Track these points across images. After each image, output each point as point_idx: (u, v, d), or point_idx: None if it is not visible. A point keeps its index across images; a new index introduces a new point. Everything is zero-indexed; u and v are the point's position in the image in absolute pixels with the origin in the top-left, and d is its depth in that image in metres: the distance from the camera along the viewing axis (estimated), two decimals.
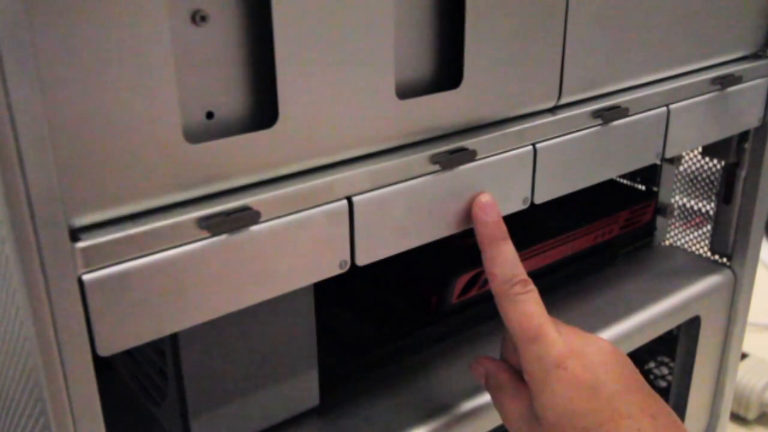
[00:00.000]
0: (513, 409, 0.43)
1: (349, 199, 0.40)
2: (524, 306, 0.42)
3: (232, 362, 0.46)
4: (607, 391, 0.40)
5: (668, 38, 0.55)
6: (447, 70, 0.44)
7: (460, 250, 0.59)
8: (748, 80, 0.61)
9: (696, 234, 0.77)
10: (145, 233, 0.33)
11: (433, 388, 0.54)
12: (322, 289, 0.46)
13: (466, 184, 0.45)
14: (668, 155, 0.58)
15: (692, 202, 0.77)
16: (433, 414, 0.51)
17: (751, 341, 0.91)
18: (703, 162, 0.75)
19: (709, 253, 0.75)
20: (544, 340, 0.41)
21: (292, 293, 0.39)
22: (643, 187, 0.76)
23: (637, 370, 0.43)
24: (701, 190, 0.76)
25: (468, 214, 0.45)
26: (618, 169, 0.54)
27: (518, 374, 0.44)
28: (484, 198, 0.43)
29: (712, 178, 0.74)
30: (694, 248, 0.77)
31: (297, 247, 0.38)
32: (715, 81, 0.59)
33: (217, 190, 0.36)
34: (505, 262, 0.43)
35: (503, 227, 0.44)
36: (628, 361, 0.43)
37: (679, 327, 0.70)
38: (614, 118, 0.52)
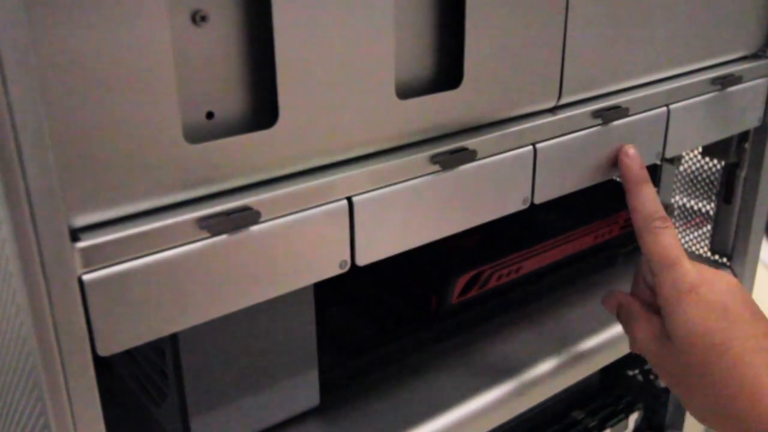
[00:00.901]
0: (645, 333, 0.49)
1: (349, 199, 0.40)
2: (664, 238, 0.48)
3: (232, 362, 0.46)
4: (734, 314, 0.46)
5: (668, 38, 0.55)
6: (447, 70, 0.44)
7: (460, 250, 0.59)
8: (748, 80, 0.61)
9: (696, 234, 0.77)
10: (145, 233, 0.33)
11: (432, 388, 0.54)
12: (322, 289, 0.46)
13: (466, 184, 0.45)
14: (668, 155, 0.58)
15: (692, 202, 0.77)
16: (433, 414, 0.51)
17: None
18: (703, 162, 0.75)
19: (709, 253, 0.75)
20: (680, 268, 0.47)
21: (292, 293, 0.39)
22: None
23: (758, 306, 0.48)
24: (701, 190, 0.76)
25: (469, 213, 0.45)
26: (618, 169, 0.54)
27: (648, 305, 0.51)
28: (631, 150, 0.51)
29: (712, 178, 0.74)
30: (694, 248, 0.77)
31: (297, 247, 0.38)
32: (715, 81, 0.59)
33: (217, 190, 0.36)
34: (647, 200, 0.49)
35: (646, 172, 0.51)
36: (751, 296, 0.48)
37: None
38: (614, 118, 0.52)
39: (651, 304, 0.50)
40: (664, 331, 0.48)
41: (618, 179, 0.52)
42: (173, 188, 0.34)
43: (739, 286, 0.48)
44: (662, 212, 0.49)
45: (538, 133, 0.48)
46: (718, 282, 0.47)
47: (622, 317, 0.52)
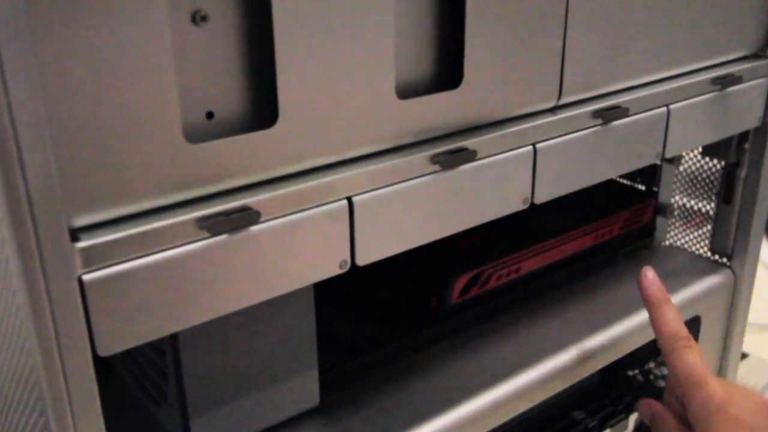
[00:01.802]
0: None
1: (349, 199, 0.40)
2: (689, 358, 0.50)
3: (232, 362, 0.46)
4: None
5: (668, 38, 0.55)
6: (447, 70, 0.44)
7: (460, 250, 0.59)
8: (748, 80, 0.61)
9: (696, 234, 0.77)
10: (145, 233, 0.33)
11: (433, 388, 0.54)
12: (322, 289, 0.46)
13: (465, 184, 0.45)
14: (668, 155, 0.58)
15: (692, 202, 0.77)
16: (432, 414, 0.51)
17: (751, 341, 0.90)
18: (703, 162, 0.75)
19: (709, 253, 0.75)
20: (707, 387, 0.49)
21: (292, 293, 0.39)
22: (643, 187, 0.76)
23: None
24: (701, 190, 0.76)
25: (469, 213, 0.45)
26: (618, 169, 0.54)
27: (679, 417, 0.52)
28: (650, 272, 0.53)
29: (712, 178, 0.74)
30: (694, 248, 0.77)
31: (297, 247, 0.38)
32: (715, 81, 0.59)
33: (217, 190, 0.36)
34: (670, 321, 0.51)
35: (665, 291, 0.53)
36: None
37: None
38: (614, 118, 0.52)
39: (683, 417, 0.52)
40: None
41: (618, 178, 0.52)
42: (173, 188, 0.34)
43: (766, 404, 0.49)
44: (685, 331, 0.51)
45: (538, 133, 0.48)
46: (745, 401, 0.48)
47: (656, 426, 0.54)
